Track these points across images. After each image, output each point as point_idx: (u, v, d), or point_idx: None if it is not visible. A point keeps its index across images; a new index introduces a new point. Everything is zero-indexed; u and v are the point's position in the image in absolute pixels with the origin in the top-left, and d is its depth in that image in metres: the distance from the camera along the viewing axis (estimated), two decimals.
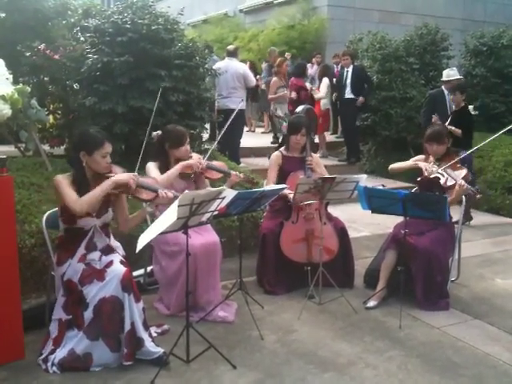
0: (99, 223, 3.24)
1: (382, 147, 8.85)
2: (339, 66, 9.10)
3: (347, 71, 8.75)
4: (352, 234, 4.78)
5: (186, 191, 2.86)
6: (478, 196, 4.02)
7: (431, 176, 4.11)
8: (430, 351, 3.43)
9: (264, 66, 11.06)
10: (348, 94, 8.63)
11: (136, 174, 3.20)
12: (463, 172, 4.13)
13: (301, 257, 4.26)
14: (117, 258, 3.25)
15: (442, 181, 4.07)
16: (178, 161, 3.92)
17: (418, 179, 4.20)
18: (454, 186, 4.02)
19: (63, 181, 3.13)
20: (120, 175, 3.17)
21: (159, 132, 4.01)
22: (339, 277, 4.27)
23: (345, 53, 8.98)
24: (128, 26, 5.48)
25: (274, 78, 8.70)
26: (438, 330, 3.72)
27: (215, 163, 4.16)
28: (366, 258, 4.79)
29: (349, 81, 8.62)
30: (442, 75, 7.38)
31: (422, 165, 4.20)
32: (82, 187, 3.14)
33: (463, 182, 3.97)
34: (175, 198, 3.01)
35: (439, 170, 4.10)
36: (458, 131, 6.14)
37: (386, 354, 3.38)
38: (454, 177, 4.05)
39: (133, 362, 3.05)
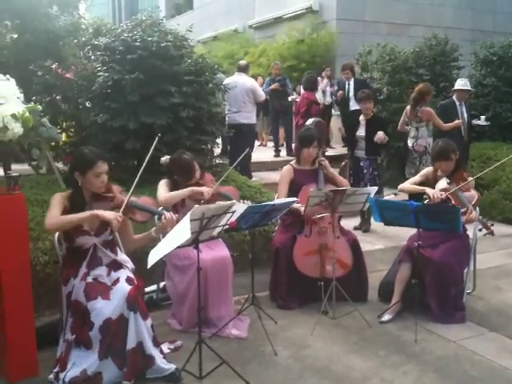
0: (99, 241, 3.23)
1: (394, 159, 8.79)
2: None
3: (349, 84, 9.13)
4: (366, 246, 4.75)
5: (196, 205, 2.86)
6: (491, 228, 3.91)
7: (442, 197, 4.05)
8: (447, 365, 3.38)
9: (267, 79, 11.15)
10: (353, 106, 8.76)
11: (121, 214, 3.10)
12: (475, 195, 4.07)
13: (314, 271, 4.22)
14: (124, 274, 3.21)
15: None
16: (189, 185, 3.93)
17: (425, 202, 4.11)
18: (465, 211, 3.95)
19: (57, 200, 3.14)
20: (105, 212, 3.07)
21: (168, 158, 4.01)
22: (353, 290, 4.23)
23: (345, 67, 9.30)
24: (138, 43, 5.54)
25: None
26: (454, 344, 3.66)
27: (226, 189, 4.12)
28: (380, 271, 4.74)
29: (351, 93, 8.87)
30: (457, 83, 7.37)
31: (430, 192, 4.06)
32: (76, 206, 3.14)
33: (474, 214, 3.90)
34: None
35: (450, 190, 4.05)
36: (386, 138, 6.17)
37: (402, 369, 3.33)
38: (464, 201, 3.97)
39: (133, 382, 2.99)
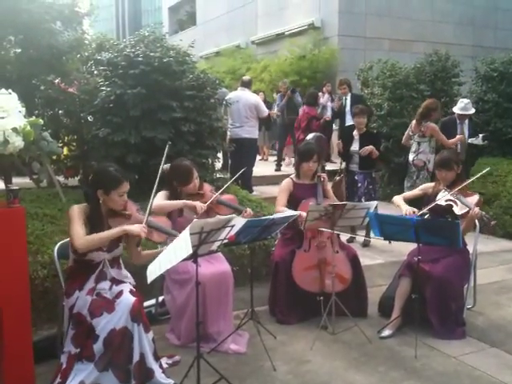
0: (109, 257, 3.25)
1: (394, 174, 8.82)
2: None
3: (345, 99, 9.40)
4: (366, 261, 4.73)
5: (195, 220, 2.86)
6: (493, 222, 3.95)
7: (444, 204, 4.06)
8: (447, 381, 3.35)
9: (277, 96, 11.36)
10: (349, 121, 8.85)
11: (145, 225, 3.16)
12: (475, 198, 4.08)
13: (313, 286, 4.21)
14: (127, 287, 3.23)
15: (455, 209, 4.01)
16: (188, 194, 3.94)
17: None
18: (467, 213, 3.97)
19: (77, 213, 3.15)
20: (132, 226, 3.12)
21: (169, 166, 4.01)
22: (352, 305, 4.21)
23: (341, 82, 9.65)
24: (140, 58, 5.58)
25: None
26: (454, 360, 3.63)
27: (226, 197, 4.09)
28: (380, 285, 4.73)
29: (348, 108, 9.04)
30: (457, 105, 7.38)
31: (404, 209, 4.13)
32: (96, 223, 3.17)
33: (477, 210, 3.91)
34: None
35: (451, 197, 4.06)
36: (376, 152, 6.20)
37: None
38: (466, 204, 4.00)
39: None
